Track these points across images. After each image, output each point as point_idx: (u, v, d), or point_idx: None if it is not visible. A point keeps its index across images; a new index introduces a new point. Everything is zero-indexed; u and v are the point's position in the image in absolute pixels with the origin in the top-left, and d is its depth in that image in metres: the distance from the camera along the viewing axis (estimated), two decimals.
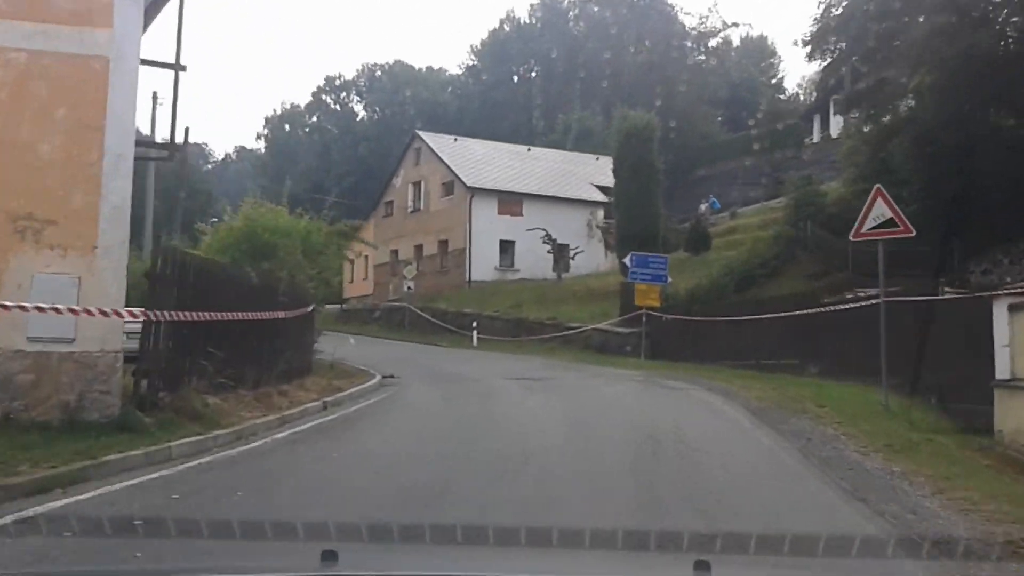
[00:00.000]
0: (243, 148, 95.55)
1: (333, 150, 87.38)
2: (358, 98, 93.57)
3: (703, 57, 75.27)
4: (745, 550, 5.01)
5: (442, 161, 42.92)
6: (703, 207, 46.05)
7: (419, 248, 44.55)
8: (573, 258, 38.44)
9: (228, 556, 4.97)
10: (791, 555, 4.95)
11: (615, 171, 35.60)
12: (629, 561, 5.07)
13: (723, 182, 56.71)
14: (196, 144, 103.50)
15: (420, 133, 45.95)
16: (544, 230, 37.92)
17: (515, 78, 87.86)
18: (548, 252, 38.20)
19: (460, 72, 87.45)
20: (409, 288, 40.13)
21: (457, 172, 41.91)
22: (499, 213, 41.61)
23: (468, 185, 41.11)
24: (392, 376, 20.75)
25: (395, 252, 45.91)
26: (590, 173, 45.94)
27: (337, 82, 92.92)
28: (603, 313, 30.61)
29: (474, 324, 33.60)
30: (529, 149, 48.31)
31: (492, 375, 20.64)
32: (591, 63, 77.31)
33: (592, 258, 40.40)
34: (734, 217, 45.21)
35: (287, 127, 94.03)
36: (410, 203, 45.57)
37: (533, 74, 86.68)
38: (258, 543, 5.14)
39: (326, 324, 44.61)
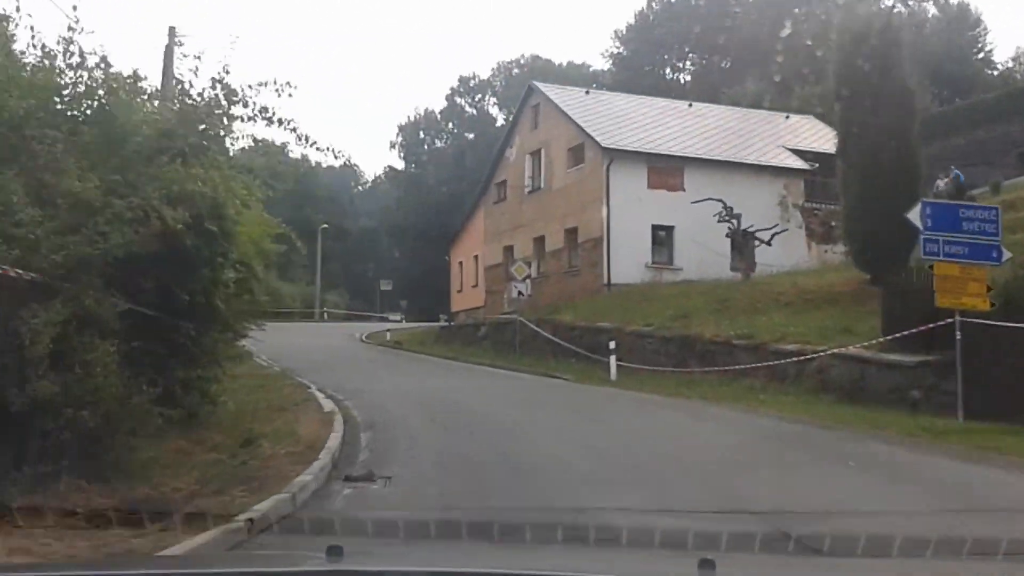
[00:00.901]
0: (391, 168, 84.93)
1: (468, 156, 76.07)
2: (494, 100, 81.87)
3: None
4: None
5: (568, 118, 28.99)
6: (942, 183, 30.47)
7: (539, 241, 30.69)
8: (769, 243, 23.55)
9: None
10: None
11: (839, 97, 20.69)
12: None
13: (953, 158, 41.42)
14: (348, 166, 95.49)
15: (538, 85, 32.06)
16: (721, 201, 23.33)
17: (667, 69, 73.50)
18: (727, 235, 23.55)
19: (604, 65, 73.60)
20: (520, 294, 26.33)
21: (588, 130, 27.84)
22: (650, 187, 27.32)
23: (604, 146, 27.00)
24: (369, 479, 7.07)
25: (509, 249, 32.20)
26: (779, 135, 31.02)
27: (472, 83, 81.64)
28: (843, 328, 16.11)
29: (611, 346, 19.37)
30: (690, 104, 33.54)
31: (640, 489, 6.62)
32: (756, 38, 62.23)
33: (789, 250, 25.46)
34: (998, 192, 29.72)
35: (421, 134, 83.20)
36: (527, 180, 31.72)
37: (687, 62, 72.08)
38: None
39: (424, 347, 31.59)
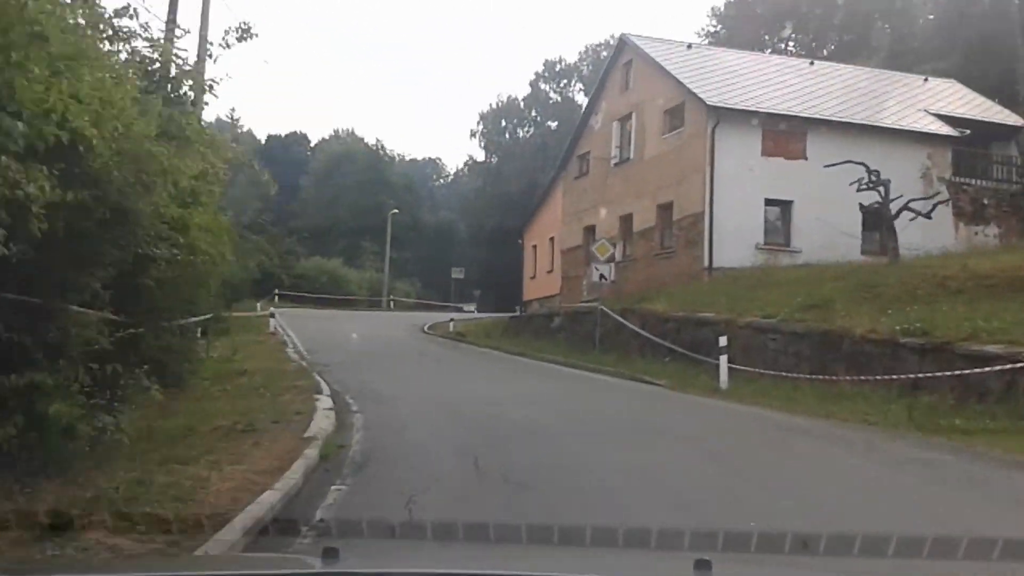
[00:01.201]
0: (471, 158, 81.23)
1: (550, 144, 71.34)
2: (580, 86, 77.01)
3: None
4: None
5: (667, 74, 24.12)
6: None
7: (626, 220, 25.90)
8: (929, 215, 18.36)
9: None
10: None
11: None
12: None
13: None
14: (430, 159, 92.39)
15: (631, 37, 27.10)
16: (863, 165, 18.14)
17: (768, 50, 67.25)
18: (873, 204, 18.36)
19: (700, 44, 67.86)
20: (603, 277, 21.69)
21: (691, 87, 22.94)
22: (764, 154, 22.36)
23: (710, 105, 22.07)
24: None
25: (591, 229, 27.47)
26: (918, 98, 25.54)
27: (557, 67, 76.99)
28: None
29: (721, 342, 14.58)
30: (812, 63, 28.24)
31: None
32: (867, 17, 56.09)
33: (933, 231, 20.04)
34: None
35: (503, 122, 78.97)
36: (614, 150, 26.90)
37: (791, 43, 65.73)
38: None
39: (489, 340, 26.37)
